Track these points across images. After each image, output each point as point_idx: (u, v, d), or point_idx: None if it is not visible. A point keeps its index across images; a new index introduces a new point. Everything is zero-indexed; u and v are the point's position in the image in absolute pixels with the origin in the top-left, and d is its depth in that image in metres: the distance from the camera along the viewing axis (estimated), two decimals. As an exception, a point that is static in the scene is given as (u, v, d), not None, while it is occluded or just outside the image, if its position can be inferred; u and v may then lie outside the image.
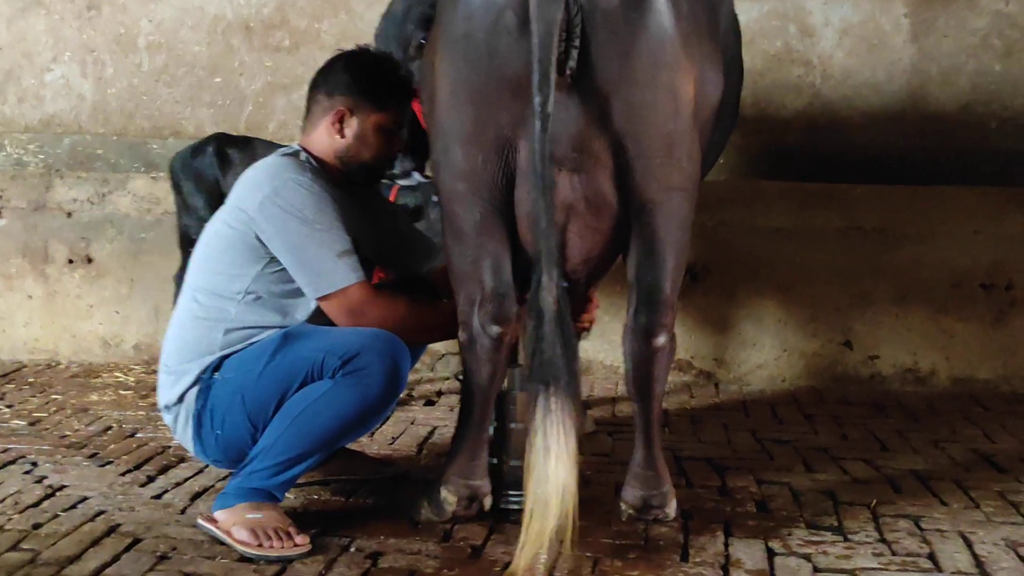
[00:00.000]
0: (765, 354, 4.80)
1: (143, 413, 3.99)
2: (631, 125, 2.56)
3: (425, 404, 4.28)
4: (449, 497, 2.83)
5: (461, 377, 3.00)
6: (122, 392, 4.35)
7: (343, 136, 2.95)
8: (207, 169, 4.20)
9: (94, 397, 4.26)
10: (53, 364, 4.91)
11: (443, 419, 3.99)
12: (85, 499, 3.03)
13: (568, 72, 2.48)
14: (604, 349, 4.75)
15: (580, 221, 2.66)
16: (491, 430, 2.95)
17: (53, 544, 2.68)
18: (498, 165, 2.61)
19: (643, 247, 2.71)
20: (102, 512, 2.92)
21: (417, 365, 4.58)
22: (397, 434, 3.82)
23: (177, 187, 4.30)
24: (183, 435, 2.91)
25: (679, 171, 2.66)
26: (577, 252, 2.73)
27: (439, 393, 4.44)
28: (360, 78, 2.95)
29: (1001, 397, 4.61)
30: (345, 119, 2.95)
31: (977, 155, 4.95)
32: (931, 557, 2.70)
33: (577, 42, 2.47)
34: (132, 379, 4.59)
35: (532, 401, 2.43)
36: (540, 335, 2.44)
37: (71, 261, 4.98)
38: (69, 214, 4.99)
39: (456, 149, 2.64)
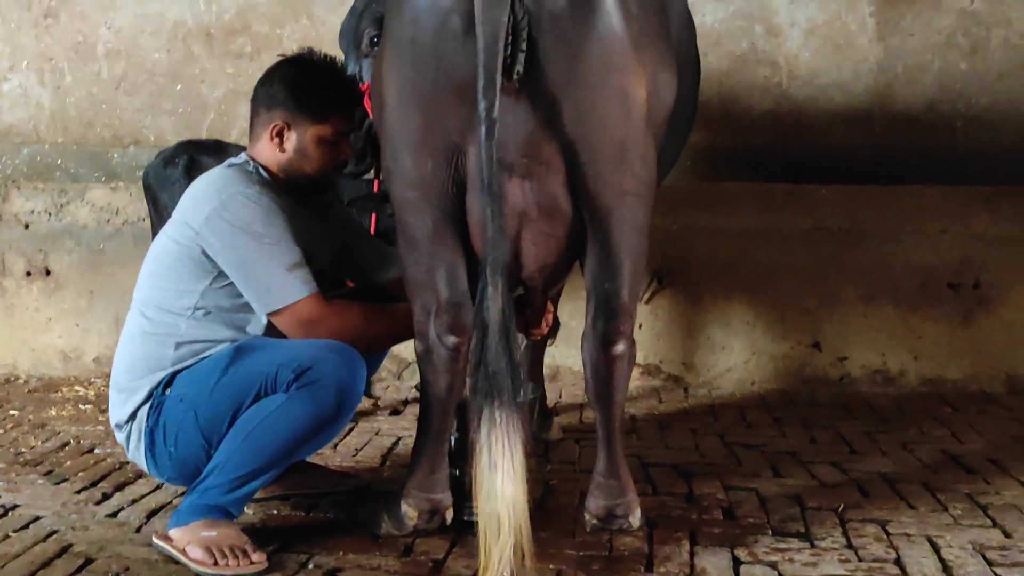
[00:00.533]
0: (734, 357, 4.77)
1: (102, 428, 3.93)
2: (581, 130, 2.52)
3: (391, 414, 4.23)
4: (410, 511, 2.78)
5: (418, 386, 2.96)
6: (81, 407, 4.28)
7: (283, 150, 2.90)
8: (181, 178, 4.12)
9: (52, 412, 4.19)
10: (12, 379, 4.83)
11: (408, 429, 3.94)
12: (38, 519, 2.96)
13: (515, 77, 2.43)
14: (571, 355, 4.71)
15: (533, 227, 2.62)
16: (452, 441, 2.91)
17: (3, 566, 2.61)
18: (448, 172, 2.57)
19: (599, 254, 2.66)
20: (54, 532, 2.85)
21: (382, 374, 4.56)
22: (361, 445, 3.77)
23: (153, 199, 4.20)
24: (136, 453, 2.85)
25: (632, 176, 2.61)
26: (532, 259, 2.68)
27: (405, 402, 4.39)
28: (297, 90, 2.89)
29: (970, 397, 4.60)
30: (284, 133, 2.90)
31: (943, 154, 4.95)
32: (898, 562, 2.67)
33: (524, 46, 2.42)
34: (92, 393, 4.52)
35: (477, 415, 2.39)
36: (485, 347, 2.39)
37: (29, 273, 4.90)
38: (27, 225, 4.91)
39: (405, 156, 2.59)
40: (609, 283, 2.66)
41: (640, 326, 4.54)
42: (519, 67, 2.43)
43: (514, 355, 2.40)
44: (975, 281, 4.72)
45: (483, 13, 2.37)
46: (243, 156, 2.95)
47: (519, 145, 2.50)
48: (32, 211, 4.91)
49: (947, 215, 4.74)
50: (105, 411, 4.08)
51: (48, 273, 4.90)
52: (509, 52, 2.41)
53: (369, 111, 3.42)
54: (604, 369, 2.72)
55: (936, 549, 2.76)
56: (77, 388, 4.60)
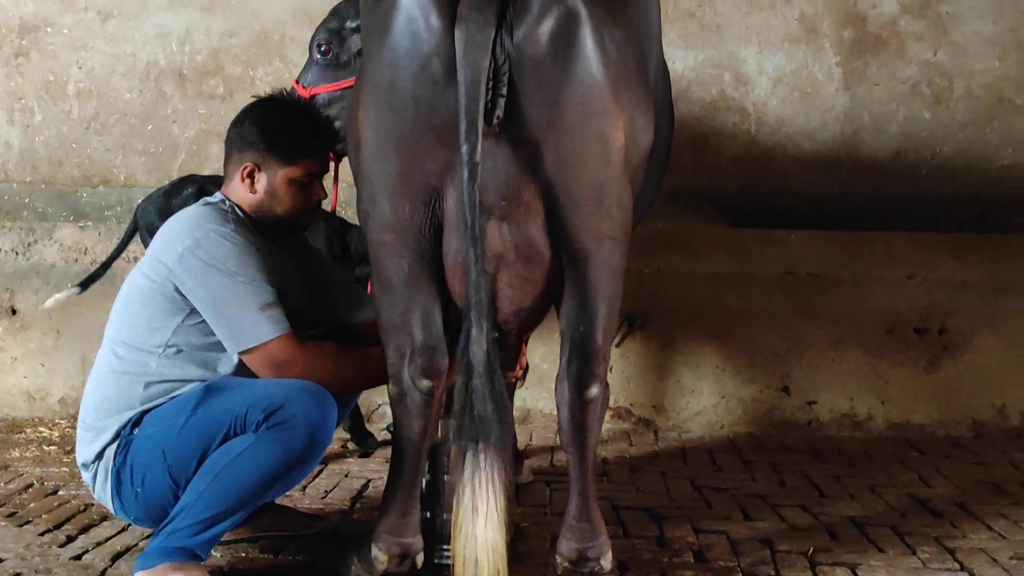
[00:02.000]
0: (704, 400, 4.79)
1: (66, 470, 3.87)
2: (561, 173, 2.54)
3: (360, 456, 4.19)
4: (380, 555, 2.75)
5: (390, 428, 2.94)
6: (46, 448, 4.22)
7: (254, 191, 2.90)
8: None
9: (16, 453, 4.13)
10: (-25, 419, 4.76)
11: (378, 471, 3.91)
12: (0, 561, 2.90)
13: (496, 122, 2.45)
14: (543, 397, 4.71)
15: (511, 271, 2.62)
16: (424, 483, 2.89)
17: (-37, 610, 2.56)
18: (425, 215, 2.57)
19: (574, 296, 2.67)
20: (17, 575, 2.80)
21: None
22: (330, 487, 3.73)
23: (152, 234, 4.15)
24: (102, 494, 2.81)
25: (610, 219, 2.63)
26: (508, 302, 2.68)
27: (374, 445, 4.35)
28: (267, 131, 2.90)
29: (936, 441, 4.64)
30: (255, 174, 2.90)
31: (909, 201, 5.02)
32: (868, 606, 2.68)
33: (504, 90, 2.44)
34: (56, 434, 4.46)
35: (461, 457, 2.38)
36: (470, 389, 2.39)
37: (-5, 313, 4.85)
38: (-7, 263, 4.87)
39: (382, 200, 2.59)
40: (584, 326, 2.67)
41: (611, 369, 4.55)
42: (499, 112, 2.44)
43: (500, 397, 2.39)
44: (941, 327, 4.77)
45: (464, 58, 2.38)
46: (219, 195, 2.95)
47: (498, 188, 2.51)
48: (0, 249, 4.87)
49: (913, 261, 4.80)
50: (70, 452, 4.05)
51: (14, 312, 4.85)
52: (490, 96, 2.42)
53: None
54: (578, 412, 2.71)
55: (906, 593, 2.77)
56: (41, 429, 4.54)
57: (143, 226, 4.16)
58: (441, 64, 2.45)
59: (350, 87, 3.81)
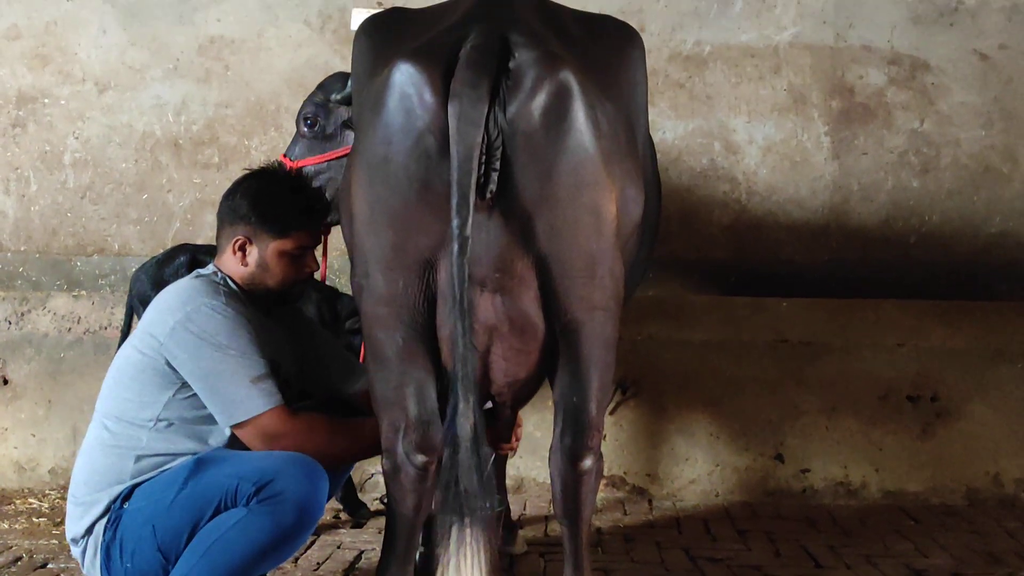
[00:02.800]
0: (698, 469, 4.77)
1: (56, 542, 3.83)
2: (553, 245, 2.56)
3: (352, 527, 4.16)
4: (373, 630, 2.72)
5: (387, 501, 2.92)
6: (35, 520, 4.18)
7: (245, 264, 2.92)
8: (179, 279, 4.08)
9: (5, 525, 4.09)
10: (-36, 490, 4.71)
11: (371, 542, 3.88)
12: (-14, 638, 2.87)
13: (489, 196, 2.48)
14: (536, 466, 4.69)
15: (504, 343, 2.63)
16: (418, 556, 2.87)
17: None
18: (419, 288, 2.58)
19: (567, 368, 2.68)
20: (4, 652, 2.77)
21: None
22: (323, 559, 3.70)
23: (144, 303, 4.15)
24: (91, 569, 2.79)
25: (602, 290, 2.65)
26: (501, 374, 2.68)
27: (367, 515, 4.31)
28: (258, 205, 2.92)
29: (931, 509, 4.61)
30: (246, 247, 2.92)
31: (898, 268, 5.06)
32: None
33: (497, 164, 2.47)
34: (47, 505, 4.42)
35: (446, 532, 2.36)
36: (455, 463, 2.38)
37: (-13, 383, 4.84)
38: (-13, 335, 4.86)
39: (376, 273, 2.61)
40: (577, 397, 2.67)
41: (604, 437, 4.54)
42: (492, 186, 2.47)
43: (485, 472, 2.39)
44: (933, 394, 4.78)
45: (458, 133, 2.41)
46: (211, 267, 2.96)
47: (491, 261, 2.53)
48: (-8, 319, 4.87)
49: (904, 329, 4.82)
50: (60, 524, 4.01)
51: (6, 382, 4.83)
52: (483, 171, 2.45)
53: None
54: (572, 484, 2.71)
55: (903, 666, 2.74)
56: (31, 500, 4.50)
57: (136, 295, 4.16)
58: (435, 139, 2.48)
59: (337, 159, 3.88)
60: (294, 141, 4.03)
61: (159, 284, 4.06)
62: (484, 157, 2.44)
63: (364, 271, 2.65)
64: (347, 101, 3.84)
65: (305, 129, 3.96)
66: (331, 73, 4.16)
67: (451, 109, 2.43)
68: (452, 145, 2.42)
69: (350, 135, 3.84)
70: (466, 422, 2.39)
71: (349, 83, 3.84)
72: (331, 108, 3.94)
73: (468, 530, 2.35)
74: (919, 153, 5.13)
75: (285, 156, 3.99)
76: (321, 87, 4.01)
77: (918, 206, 5.12)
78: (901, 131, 5.13)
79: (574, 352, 2.66)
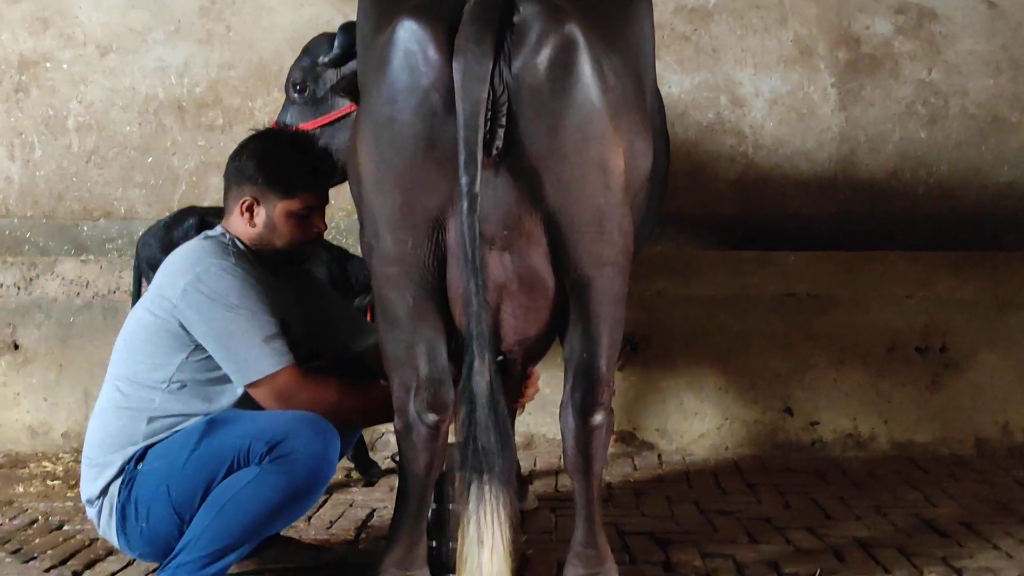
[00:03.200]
0: (707, 423, 4.79)
1: (71, 504, 3.86)
2: (561, 201, 2.55)
3: (364, 485, 4.19)
4: (387, 589, 2.75)
5: (398, 459, 2.94)
6: (50, 483, 4.22)
7: (253, 224, 2.92)
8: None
9: (20, 489, 4.12)
10: (-22, 455, 4.76)
11: (383, 500, 3.91)
12: (6, 599, 2.91)
13: (495, 152, 2.47)
14: (546, 423, 4.71)
15: (514, 301, 2.62)
16: (430, 512, 2.88)
17: (-31, 649, 2.56)
18: (428, 248, 2.57)
19: (578, 324, 2.67)
20: (23, 612, 2.81)
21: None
22: (335, 517, 3.73)
23: (153, 267, 4.15)
24: (107, 529, 2.81)
25: (611, 245, 2.64)
26: (512, 332, 2.68)
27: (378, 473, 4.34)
28: (265, 165, 2.91)
29: (940, 460, 4.63)
30: (253, 208, 2.91)
31: (907, 220, 5.04)
32: (876, 628, 2.67)
33: (503, 120, 2.46)
34: (60, 468, 4.45)
35: (465, 489, 2.37)
36: (473, 421, 2.39)
37: (-3, 348, 4.86)
38: (-5, 300, 4.88)
39: (385, 233, 2.59)
40: (588, 353, 2.67)
41: (614, 393, 4.54)
42: (499, 142, 2.46)
43: (503, 428, 2.40)
44: (941, 345, 4.78)
45: (463, 90, 2.40)
46: (219, 228, 2.96)
47: (500, 218, 2.52)
48: (1, 284, 4.88)
49: (912, 280, 4.81)
50: (74, 487, 4.05)
51: (16, 347, 4.86)
52: (489, 127, 2.44)
53: None
54: (583, 439, 2.72)
55: (914, 614, 2.76)
56: (45, 464, 4.53)
57: (144, 259, 4.16)
58: (440, 97, 2.46)
59: (330, 123, 3.85)
60: (284, 107, 4.00)
61: (168, 247, 4.05)
62: (490, 113, 2.43)
63: (373, 231, 2.64)
64: (335, 63, 3.80)
65: (295, 95, 3.92)
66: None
67: (456, 65, 2.41)
68: (458, 102, 2.40)
69: (340, 100, 3.81)
70: (482, 380, 2.40)
71: (336, 45, 3.81)
72: (319, 72, 3.89)
73: (487, 487, 2.36)
74: (927, 103, 5.09)
75: (276, 124, 3.95)
76: (307, 51, 3.96)
77: (926, 157, 5.09)
78: (908, 81, 5.09)
79: (584, 308, 2.66)
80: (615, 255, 2.65)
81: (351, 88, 3.65)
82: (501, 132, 2.45)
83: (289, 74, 3.96)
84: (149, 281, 4.07)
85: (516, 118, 2.47)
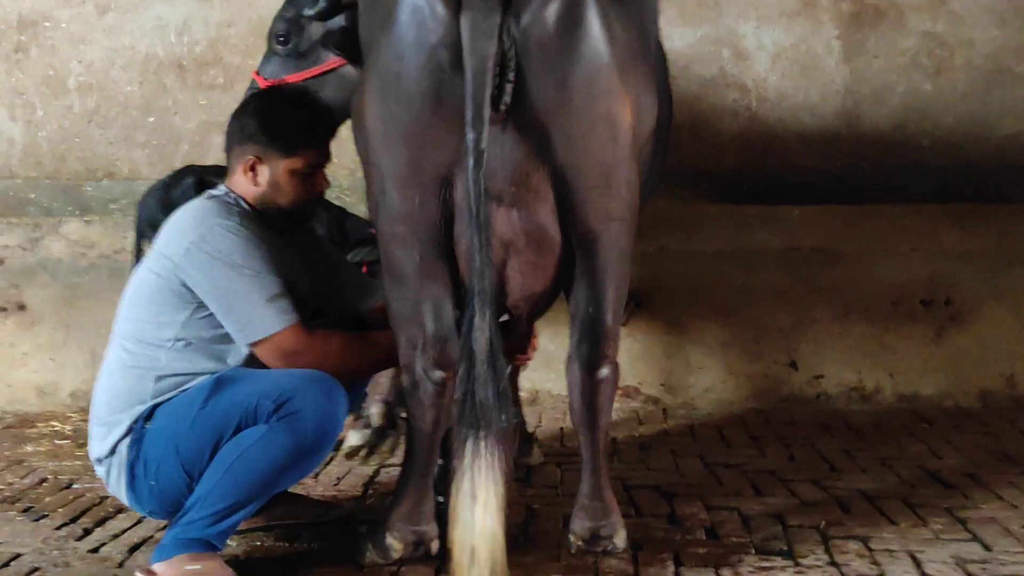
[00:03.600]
0: (711, 378, 4.80)
1: (80, 463, 3.89)
2: (569, 156, 2.54)
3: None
4: (395, 544, 2.77)
5: (405, 416, 2.95)
6: (58, 442, 4.25)
7: (257, 184, 2.90)
8: (188, 200, 4.06)
9: (29, 448, 4.15)
10: (-14, 415, 4.79)
11: (389, 458, 3.93)
12: (18, 556, 2.93)
13: (503, 108, 2.45)
14: (551, 379, 4.72)
15: (521, 257, 2.62)
16: (436, 468, 2.90)
17: (-17, 606, 2.59)
18: (435, 205, 2.57)
19: (584, 278, 2.68)
20: (36, 569, 2.83)
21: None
22: (342, 474, 3.75)
23: (154, 227, 4.14)
24: (117, 487, 2.83)
25: (618, 200, 2.64)
26: (518, 288, 2.69)
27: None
28: (268, 124, 2.89)
29: (945, 412, 4.65)
30: (256, 167, 2.90)
31: (911, 173, 5.02)
32: (880, 578, 2.70)
33: (511, 76, 2.45)
34: (69, 428, 4.49)
35: (461, 444, 2.39)
36: (472, 377, 2.40)
37: (3, 309, 4.87)
38: (1, 260, 4.88)
39: (392, 191, 2.59)
40: (594, 307, 2.68)
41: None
42: (507, 98, 2.45)
43: (501, 385, 2.40)
44: (946, 298, 4.78)
45: (470, 45, 2.38)
46: (222, 187, 2.96)
47: (507, 174, 2.51)
48: (6, 246, 4.88)
49: (917, 233, 4.80)
50: (82, 446, 4.05)
51: (23, 308, 4.87)
52: (497, 83, 2.42)
53: None
54: (589, 393, 2.73)
55: (918, 564, 2.78)
56: (53, 423, 4.56)
57: (144, 219, 4.16)
58: (447, 53, 2.45)
59: (313, 78, 3.78)
60: (266, 58, 3.93)
61: (167, 207, 4.05)
62: (498, 69, 2.41)
63: (380, 189, 2.64)
64: (320, 17, 3.72)
65: (278, 47, 3.84)
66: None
67: (463, 21, 2.40)
68: (465, 58, 2.39)
69: (326, 53, 3.74)
70: (482, 336, 2.40)
71: None
72: (303, 24, 3.82)
73: (483, 442, 2.37)
74: (932, 55, 5.05)
75: (258, 73, 3.89)
76: (292, 2, 3.88)
77: (931, 109, 5.06)
78: (913, 33, 5.04)
79: (590, 263, 2.66)
80: (622, 210, 2.65)
81: (343, 43, 3.61)
82: (509, 88, 2.44)
83: (272, 25, 3.88)
84: (150, 241, 4.07)
85: (524, 73, 2.46)
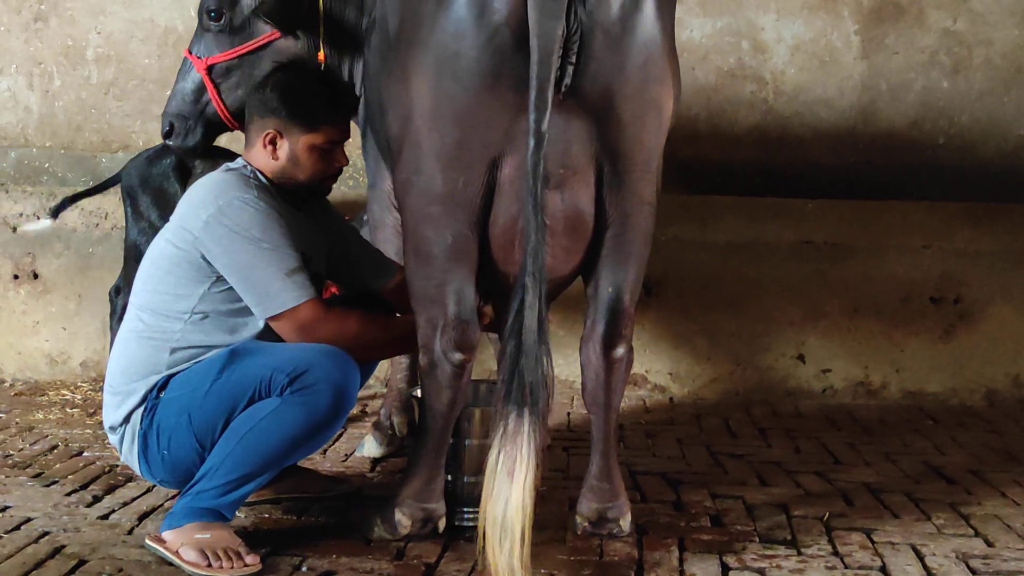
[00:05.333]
0: (719, 368, 4.82)
1: (90, 432, 3.92)
2: (619, 140, 2.57)
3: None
4: (404, 520, 2.79)
5: (416, 395, 2.97)
6: (69, 410, 4.28)
7: (276, 158, 2.91)
8: (165, 179, 4.12)
9: (40, 415, 4.18)
10: (-2, 382, 4.82)
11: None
12: (29, 520, 2.96)
13: (563, 89, 2.46)
14: (558, 364, 4.66)
15: (555, 242, 2.61)
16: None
17: (-5, 567, 2.62)
18: (479, 185, 2.57)
19: (608, 260, 2.71)
20: (46, 533, 2.85)
21: (370, 381, 4.57)
22: (350, 450, 3.78)
23: (131, 196, 4.19)
24: (129, 456, 2.85)
25: (651, 185, 2.69)
26: (548, 273, 2.70)
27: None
28: (288, 98, 2.89)
29: (950, 410, 4.66)
30: (276, 141, 2.90)
31: (926, 170, 5.03)
32: (883, 570, 2.71)
33: (574, 58, 2.46)
34: (79, 397, 4.51)
35: (503, 421, 2.40)
36: (521, 354, 2.41)
37: (16, 277, 4.90)
38: (15, 229, 4.91)
39: (434, 171, 2.58)
40: (613, 287, 2.71)
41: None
42: (567, 79, 2.46)
43: (549, 364, 2.42)
44: (956, 296, 4.79)
45: (538, 26, 2.39)
46: (240, 161, 2.97)
47: (557, 157, 2.52)
48: (20, 214, 4.91)
49: (930, 231, 4.81)
50: (93, 415, 4.11)
51: (36, 276, 4.90)
52: (559, 65, 2.43)
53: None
54: (603, 372, 2.75)
55: (920, 557, 2.80)
56: (64, 392, 4.59)
57: (124, 187, 4.20)
58: (511, 33, 2.45)
59: (248, 53, 3.70)
60: (198, 36, 3.79)
61: (145, 179, 4.13)
62: (561, 51, 2.42)
63: (415, 168, 2.63)
64: None
65: (210, 23, 3.69)
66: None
67: (531, 2, 2.40)
68: (532, 38, 2.39)
69: (261, 26, 3.64)
70: (533, 314, 2.42)
71: None
72: None
73: (526, 420, 2.39)
74: (950, 53, 5.05)
75: (190, 52, 3.79)
76: None
77: (948, 107, 5.06)
78: (933, 30, 5.04)
79: (618, 245, 2.69)
80: (652, 194, 2.70)
81: (276, 13, 3.51)
82: (571, 70, 2.46)
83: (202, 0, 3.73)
84: (130, 207, 4.12)
85: (586, 56, 2.46)
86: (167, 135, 3.92)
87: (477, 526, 2.44)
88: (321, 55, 3.68)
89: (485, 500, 2.41)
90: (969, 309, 4.78)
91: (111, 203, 4.87)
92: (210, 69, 3.74)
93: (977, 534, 3.00)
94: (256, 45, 3.69)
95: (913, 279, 4.79)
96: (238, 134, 4.66)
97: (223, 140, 4.16)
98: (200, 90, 3.79)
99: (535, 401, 2.40)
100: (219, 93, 3.76)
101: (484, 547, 2.40)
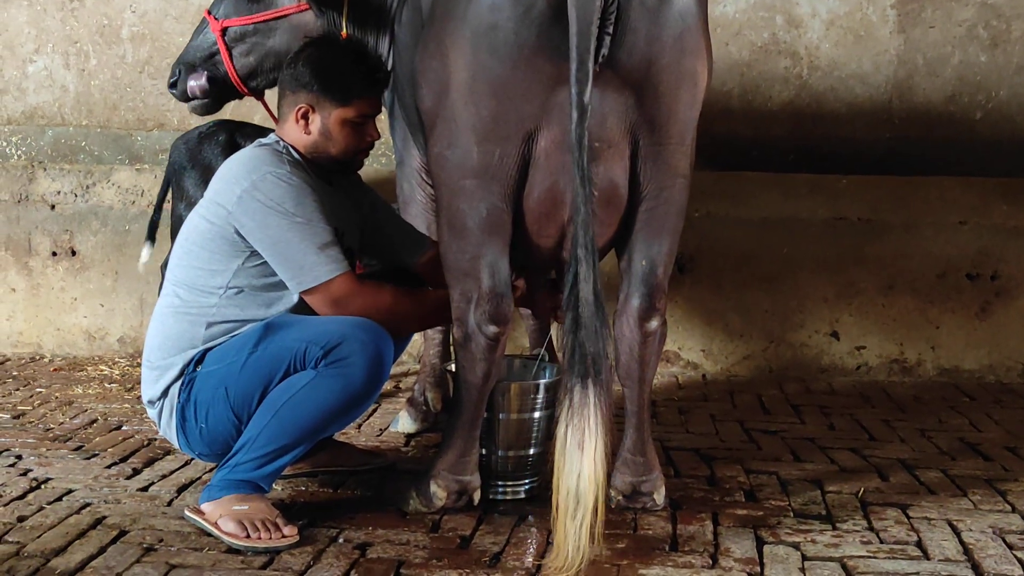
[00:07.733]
0: (752, 345, 4.80)
1: (128, 406, 3.97)
2: (655, 112, 2.58)
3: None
4: (439, 492, 2.82)
5: (450, 369, 2.99)
6: (107, 385, 4.33)
7: (308, 132, 2.92)
8: (215, 157, 4.14)
9: (79, 390, 4.24)
10: (37, 357, 4.88)
11: (431, 411, 3.98)
12: (70, 491, 3.01)
13: (600, 61, 2.46)
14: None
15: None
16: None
17: (38, 536, 2.66)
18: (515, 158, 2.58)
19: (642, 233, 2.71)
20: (88, 504, 2.90)
21: (403, 357, 4.60)
22: (384, 425, 3.80)
23: (178, 173, 4.20)
24: (167, 429, 2.89)
25: (685, 158, 2.70)
26: None
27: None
28: (321, 72, 2.90)
29: (987, 387, 4.63)
30: (309, 115, 2.91)
31: (962, 146, 4.97)
32: (919, 545, 2.71)
33: (611, 29, 2.46)
34: (117, 372, 4.57)
35: (568, 393, 2.41)
36: (580, 326, 2.42)
37: (55, 254, 4.96)
38: (52, 206, 4.96)
39: (470, 144, 2.59)
40: (647, 261, 2.71)
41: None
42: (604, 50, 2.46)
43: (607, 336, 2.43)
44: (993, 272, 4.74)
45: None
46: (273, 136, 2.98)
47: (593, 129, 2.51)
48: (58, 192, 4.96)
49: (966, 207, 4.76)
50: (131, 390, 4.16)
51: (74, 253, 4.95)
52: (597, 36, 2.43)
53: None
54: (638, 345, 2.76)
55: (957, 532, 2.79)
56: (102, 367, 4.64)
57: (173, 162, 4.21)
58: (548, 5, 2.45)
59: (264, 22, 3.77)
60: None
61: (195, 156, 4.12)
62: (599, 22, 2.42)
63: (449, 142, 2.64)
64: None
65: None
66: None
67: None
68: (571, 10, 2.40)
69: None
70: (588, 285, 2.43)
71: None
72: None
73: (591, 391, 2.40)
74: (988, 26, 4.98)
75: (210, 13, 3.88)
76: None
77: (985, 81, 5.00)
78: (970, 3, 4.97)
79: (652, 218, 2.70)
80: (686, 168, 2.70)
81: None
82: (608, 41, 2.46)
83: None
84: (176, 184, 4.13)
85: (622, 27, 2.47)
86: (173, 85, 4.01)
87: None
88: (344, 32, 3.71)
89: (557, 473, 2.41)
90: (1006, 286, 4.74)
91: (147, 181, 4.90)
92: (224, 31, 3.81)
93: (1014, 510, 2.98)
94: (273, 16, 3.76)
95: (949, 255, 4.75)
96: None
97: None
98: (213, 50, 3.87)
99: (598, 372, 2.41)
100: (231, 57, 3.80)
101: (556, 519, 2.42)
